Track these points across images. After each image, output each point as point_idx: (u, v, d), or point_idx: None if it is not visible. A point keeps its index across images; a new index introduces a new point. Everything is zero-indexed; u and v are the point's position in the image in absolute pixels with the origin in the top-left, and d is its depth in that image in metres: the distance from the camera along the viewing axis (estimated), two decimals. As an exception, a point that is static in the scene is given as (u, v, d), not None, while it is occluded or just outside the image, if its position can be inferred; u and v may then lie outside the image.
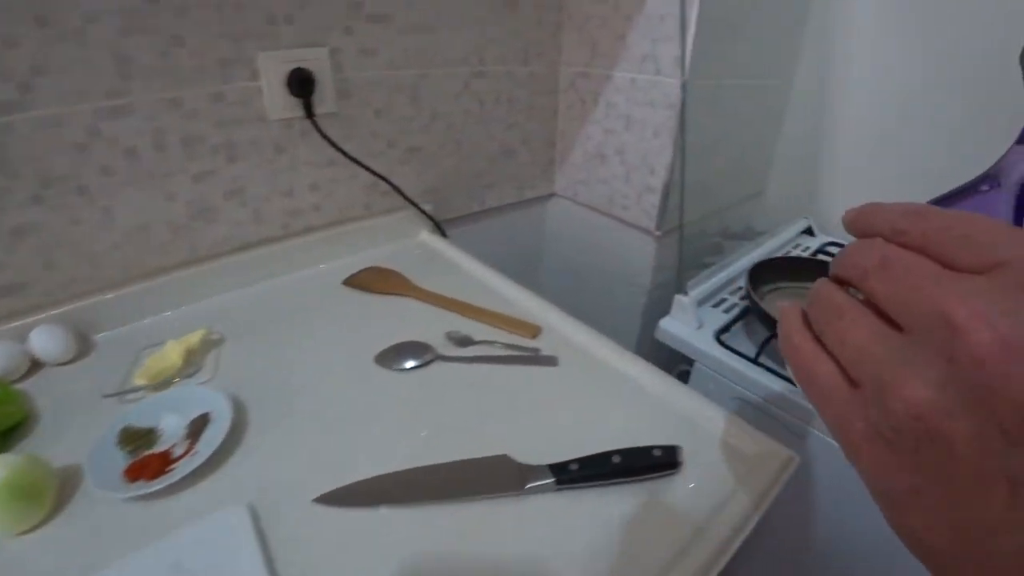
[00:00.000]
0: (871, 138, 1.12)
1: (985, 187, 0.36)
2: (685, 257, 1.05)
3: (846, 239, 1.19)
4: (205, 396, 0.57)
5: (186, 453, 0.52)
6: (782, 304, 0.28)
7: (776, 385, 0.70)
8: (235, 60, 0.71)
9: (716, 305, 0.85)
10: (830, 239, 1.15)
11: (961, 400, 0.16)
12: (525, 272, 1.25)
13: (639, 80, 0.93)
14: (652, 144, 0.94)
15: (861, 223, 0.23)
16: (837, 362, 0.21)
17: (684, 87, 0.87)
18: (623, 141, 0.99)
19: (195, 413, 0.55)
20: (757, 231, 1.25)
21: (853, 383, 0.20)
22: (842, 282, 0.22)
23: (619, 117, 0.98)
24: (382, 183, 0.89)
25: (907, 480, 0.18)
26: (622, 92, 0.96)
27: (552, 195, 1.18)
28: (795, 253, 1.06)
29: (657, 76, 0.90)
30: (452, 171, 0.99)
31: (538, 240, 1.24)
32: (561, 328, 0.69)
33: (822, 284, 0.23)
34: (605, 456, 0.48)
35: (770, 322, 0.72)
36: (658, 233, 0.97)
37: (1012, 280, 0.17)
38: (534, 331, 0.68)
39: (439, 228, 0.97)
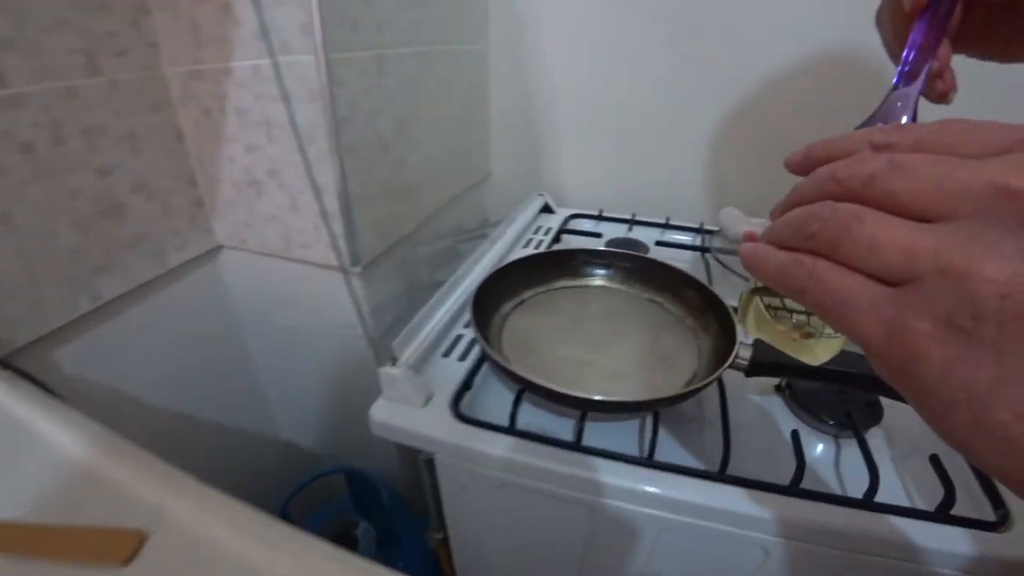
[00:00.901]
0: (584, 95, 0.99)
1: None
2: (411, 286, 0.81)
3: (588, 209, 1.07)
4: None
5: None
6: (744, 247, 0.24)
7: (553, 459, 0.48)
8: None
9: (448, 352, 0.61)
10: (572, 211, 1.00)
11: None
12: (215, 365, 0.90)
13: (263, 67, 0.65)
14: (309, 153, 0.66)
15: (822, 153, 0.22)
16: (864, 273, 0.19)
17: (326, 65, 0.61)
18: (272, 157, 0.70)
19: None
20: (493, 221, 1.06)
21: (895, 287, 0.19)
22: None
23: (257, 125, 0.69)
24: None
25: (990, 371, 0.16)
26: (248, 88, 0.67)
27: (218, 248, 0.85)
28: (537, 239, 0.88)
29: (287, 57, 0.63)
30: (10, 265, 0.61)
31: (220, 316, 0.90)
32: (183, 513, 0.39)
33: (811, 206, 0.21)
34: None
35: (511, 376, 0.50)
36: (357, 269, 0.71)
37: None
38: (130, 547, 0.37)
39: (13, 369, 0.59)
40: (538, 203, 0.97)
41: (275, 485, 0.99)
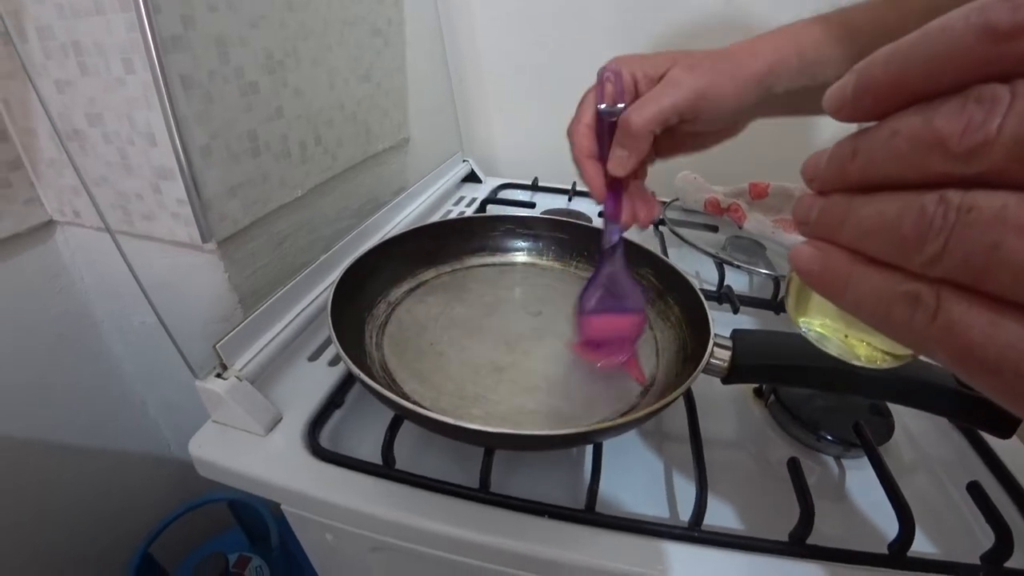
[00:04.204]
0: (515, 53, 0.84)
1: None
2: (300, 269, 0.64)
3: (523, 178, 0.93)
4: None
5: None
6: (801, 253, 0.15)
7: (447, 516, 0.32)
8: None
9: (317, 354, 0.45)
10: (503, 180, 0.84)
11: None
12: (68, 371, 0.71)
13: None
14: (131, 90, 0.49)
15: (891, 77, 0.13)
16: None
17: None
18: (90, 97, 0.52)
19: None
20: (410, 191, 0.90)
21: None
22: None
23: (64, 51, 0.51)
24: None
25: None
26: None
27: (50, 224, 0.66)
28: (457, 211, 0.72)
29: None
30: None
31: (66, 309, 0.70)
32: None
33: (912, 202, 0.12)
34: None
35: (379, 397, 0.34)
36: (211, 246, 0.54)
37: None
38: None
39: None
40: (461, 170, 0.81)
41: (169, 511, 0.81)
